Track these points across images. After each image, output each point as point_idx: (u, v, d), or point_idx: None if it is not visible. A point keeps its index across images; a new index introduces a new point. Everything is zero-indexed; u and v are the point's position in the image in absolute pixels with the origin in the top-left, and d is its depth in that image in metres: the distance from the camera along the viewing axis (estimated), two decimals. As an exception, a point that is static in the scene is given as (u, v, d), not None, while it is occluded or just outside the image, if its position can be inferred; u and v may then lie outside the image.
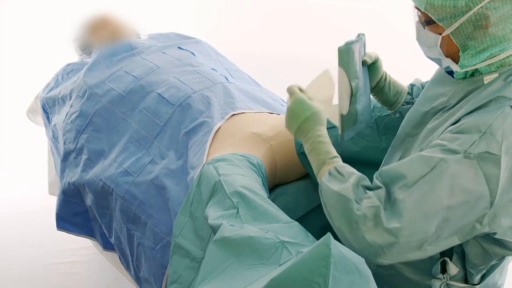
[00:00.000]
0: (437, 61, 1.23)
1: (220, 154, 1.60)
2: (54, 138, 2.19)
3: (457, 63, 1.19)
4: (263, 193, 1.39)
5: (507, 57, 1.15)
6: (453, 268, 1.27)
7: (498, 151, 1.07)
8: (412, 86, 1.53)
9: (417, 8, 1.19)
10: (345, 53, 1.31)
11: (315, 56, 3.85)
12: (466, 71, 1.19)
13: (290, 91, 1.30)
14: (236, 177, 1.43)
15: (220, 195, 1.39)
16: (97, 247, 2.13)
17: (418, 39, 1.24)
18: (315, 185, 1.75)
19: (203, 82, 1.95)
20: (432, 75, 1.40)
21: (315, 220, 1.76)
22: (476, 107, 1.14)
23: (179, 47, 2.25)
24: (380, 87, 1.47)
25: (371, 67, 1.43)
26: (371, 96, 1.51)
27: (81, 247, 2.56)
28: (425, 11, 1.15)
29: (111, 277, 2.41)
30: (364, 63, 1.39)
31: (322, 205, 1.22)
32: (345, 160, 1.32)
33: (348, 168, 1.19)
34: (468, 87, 1.19)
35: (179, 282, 1.43)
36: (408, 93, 1.51)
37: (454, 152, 1.09)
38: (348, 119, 1.39)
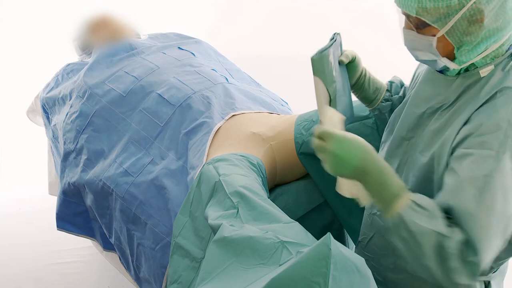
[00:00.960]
0: (431, 63, 1.22)
1: (220, 154, 1.60)
2: (54, 138, 2.19)
3: (452, 61, 1.18)
4: (263, 193, 1.39)
5: (500, 46, 1.15)
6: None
7: None
8: (391, 83, 1.52)
9: (405, 14, 1.18)
10: (318, 62, 1.30)
11: (315, 56, 3.84)
12: (461, 67, 1.19)
13: (323, 135, 1.13)
14: (236, 177, 1.43)
15: (220, 195, 1.39)
16: (97, 247, 2.13)
17: (407, 44, 1.22)
18: (315, 185, 1.76)
19: (203, 83, 1.95)
20: (415, 75, 1.40)
21: (315, 220, 1.76)
22: (483, 102, 1.13)
23: (179, 47, 2.25)
24: (359, 84, 1.46)
25: (349, 65, 1.43)
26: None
27: (81, 247, 2.56)
28: (417, 16, 1.13)
29: (111, 277, 2.41)
30: (341, 63, 1.39)
31: (400, 240, 1.12)
32: None
33: (424, 199, 1.12)
34: (465, 82, 1.19)
35: (179, 282, 1.43)
36: (387, 90, 1.50)
37: (488, 157, 1.07)
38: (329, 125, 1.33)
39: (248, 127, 1.76)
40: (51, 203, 2.21)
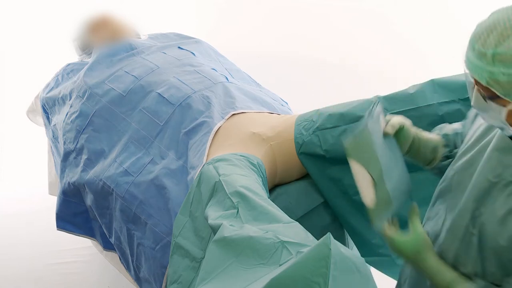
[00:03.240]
0: (499, 127, 1.10)
1: (220, 154, 1.60)
2: (54, 138, 2.19)
3: None
4: (263, 193, 1.39)
5: None
6: None
7: None
8: (445, 136, 1.35)
9: (475, 80, 1.05)
10: (353, 147, 1.21)
11: (315, 56, 3.85)
12: None
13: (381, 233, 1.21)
14: (236, 177, 1.43)
15: (220, 195, 1.39)
16: (97, 247, 2.13)
17: (475, 105, 1.10)
18: (315, 185, 1.76)
19: (203, 82, 1.95)
20: (471, 116, 1.29)
21: (315, 220, 1.76)
22: None
23: (179, 47, 2.25)
24: (413, 150, 1.32)
25: (398, 134, 1.29)
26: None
27: (81, 247, 2.57)
28: (488, 86, 1.02)
29: (111, 277, 2.41)
30: (385, 134, 1.26)
31: None
32: None
33: None
34: None
35: (179, 282, 1.43)
36: (444, 145, 1.33)
37: None
38: (378, 207, 1.24)
39: (248, 127, 1.76)
40: (51, 203, 2.21)
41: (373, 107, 1.27)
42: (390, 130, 1.27)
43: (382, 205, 1.24)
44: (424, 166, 1.36)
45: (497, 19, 0.99)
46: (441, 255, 1.18)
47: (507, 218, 1.06)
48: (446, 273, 1.15)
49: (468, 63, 1.03)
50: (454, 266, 1.16)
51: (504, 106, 1.03)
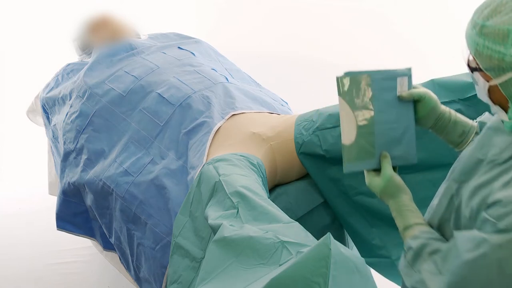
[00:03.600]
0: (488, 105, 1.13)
1: (220, 154, 1.60)
2: (54, 138, 2.19)
3: (506, 112, 1.08)
4: (263, 193, 1.39)
5: None
6: None
7: None
8: (481, 123, 1.32)
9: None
10: (345, 83, 1.28)
11: (315, 56, 3.85)
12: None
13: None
14: (236, 177, 1.43)
15: (220, 195, 1.39)
16: (97, 247, 2.13)
17: (471, 77, 1.13)
18: (315, 185, 1.76)
19: (203, 82, 1.95)
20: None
21: (315, 220, 1.76)
22: None
23: (179, 47, 2.25)
24: (439, 126, 1.31)
25: (419, 105, 1.29)
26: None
27: (81, 247, 2.56)
28: (474, 57, 1.06)
29: (111, 277, 2.41)
30: (401, 98, 1.29)
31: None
32: None
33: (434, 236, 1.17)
34: None
35: (179, 282, 1.43)
36: (477, 132, 1.31)
37: (501, 231, 1.01)
38: (355, 150, 1.30)
39: (248, 127, 1.76)
40: (51, 203, 2.21)
41: (403, 71, 1.29)
42: (405, 95, 1.28)
43: (361, 153, 1.29)
44: (451, 145, 1.35)
45: None
46: (430, 222, 1.22)
47: (475, 192, 1.09)
48: (407, 218, 1.20)
49: (466, 31, 1.07)
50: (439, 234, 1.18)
51: (488, 81, 1.06)
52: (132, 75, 2.04)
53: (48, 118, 2.28)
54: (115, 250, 1.93)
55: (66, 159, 2.04)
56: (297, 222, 1.27)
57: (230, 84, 1.99)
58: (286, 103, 2.17)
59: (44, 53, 3.56)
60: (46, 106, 2.28)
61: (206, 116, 1.81)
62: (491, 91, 1.07)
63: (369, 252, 1.78)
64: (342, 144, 1.30)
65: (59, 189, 2.06)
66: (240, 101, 1.90)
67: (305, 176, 1.79)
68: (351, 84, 1.29)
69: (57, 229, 2.08)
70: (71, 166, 2.01)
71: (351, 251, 1.04)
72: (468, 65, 1.10)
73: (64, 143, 2.06)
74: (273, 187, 1.76)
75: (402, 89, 1.30)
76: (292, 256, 1.12)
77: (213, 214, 1.34)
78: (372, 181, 1.27)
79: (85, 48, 2.39)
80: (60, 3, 3.68)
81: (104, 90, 2.03)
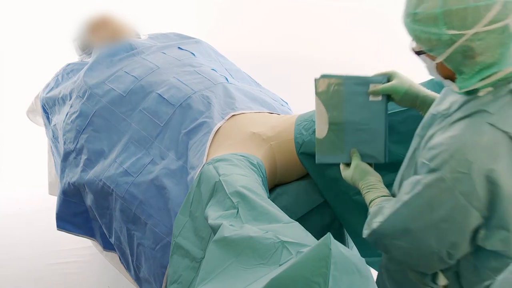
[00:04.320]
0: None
1: (220, 154, 1.60)
2: (54, 138, 2.19)
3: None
4: (263, 193, 1.39)
5: (505, 75, 1.13)
6: (442, 280, 1.27)
7: (468, 170, 1.09)
8: None
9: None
10: (321, 83, 1.45)
11: (315, 56, 3.85)
12: (470, 90, 1.18)
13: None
14: (236, 177, 1.43)
15: (220, 195, 1.39)
16: (97, 247, 2.13)
17: (420, 59, 1.23)
18: (315, 185, 1.76)
19: (203, 83, 1.95)
20: None
21: (315, 220, 1.76)
22: (461, 117, 1.15)
23: (179, 47, 2.25)
24: (420, 104, 1.43)
25: (392, 94, 1.42)
26: None
27: (81, 247, 2.56)
28: (416, 42, 1.17)
29: (111, 277, 2.41)
30: (372, 96, 1.43)
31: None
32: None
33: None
34: (466, 97, 1.19)
35: (179, 282, 1.43)
36: None
37: (431, 171, 1.14)
38: (326, 144, 1.48)
39: (248, 127, 1.76)
40: (51, 203, 2.21)
41: (377, 76, 1.44)
42: (372, 91, 1.42)
43: (332, 148, 1.48)
44: None
45: None
46: (395, 185, 1.35)
47: (426, 143, 1.22)
48: (371, 194, 1.34)
49: (403, 21, 1.18)
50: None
51: (433, 60, 1.17)
52: (132, 75, 2.04)
53: (48, 118, 2.28)
54: (115, 250, 1.93)
55: (66, 159, 2.04)
56: (297, 222, 1.27)
57: (230, 84, 1.99)
58: (286, 103, 2.17)
59: (44, 53, 3.56)
60: (46, 106, 2.28)
61: (206, 117, 1.81)
62: (438, 68, 1.18)
63: (369, 251, 1.78)
64: (316, 138, 1.49)
65: (59, 189, 2.06)
66: (240, 101, 1.90)
67: (305, 176, 1.79)
68: (326, 86, 1.45)
69: (57, 229, 2.08)
70: (71, 166, 2.01)
71: (351, 251, 1.04)
72: (414, 51, 1.20)
73: (64, 143, 2.06)
74: (273, 187, 1.76)
75: (374, 96, 1.44)
76: (292, 256, 1.12)
77: (213, 214, 1.34)
78: (344, 172, 1.44)
79: (85, 48, 2.39)
80: (60, 3, 3.68)
81: (104, 90, 2.03)
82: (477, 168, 1.09)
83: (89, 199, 1.92)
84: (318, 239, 1.05)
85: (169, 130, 1.84)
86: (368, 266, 1.10)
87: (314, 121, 1.73)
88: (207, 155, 1.67)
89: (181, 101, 1.87)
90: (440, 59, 1.15)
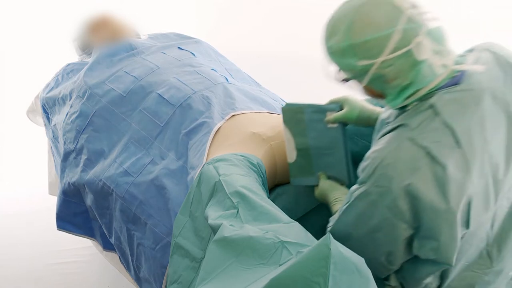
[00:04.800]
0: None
1: (220, 154, 1.60)
2: (54, 138, 2.19)
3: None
4: (263, 193, 1.39)
5: (426, 92, 1.18)
6: (393, 281, 1.31)
7: (389, 184, 1.14)
8: None
9: None
10: (286, 113, 1.58)
11: (315, 56, 3.84)
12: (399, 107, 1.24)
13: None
14: (236, 177, 1.43)
15: (220, 195, 1.39)
16: (97, 247, 2.13)
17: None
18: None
19: (203, 83, 1.95)
20: None
21: (315, 220, 1.76)
22: (388, 130, 1.20)
23: (179, 47, 2.25)
24: (374, 122, 1.50)
25: (346, 119, 1.51)
26: None
27: (81, 247, 2.56)
28: (340, 71, 1.23)
29: (111, 277, 2.41)
30: (329, 124, 1.52)
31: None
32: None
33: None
34: (399, 111, 1.24)
35: (179, 282, 1.43)
36: None
37: (360, 183, 1.21)
38: (297, 168, 1.61)
39: (248, 127, 1.76)
40: (51, 203, 2.21)
41: (332, 104, 1.53)
42: (328, 120, 1.52)
43: (302, 171, 1.61)
44: None
45: (332, 17, 1.22)
46: None
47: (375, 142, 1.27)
48: (335, 207, 1.43)
49: (324, 52, 1.25)
50: None
51: (360, 84, 1.22)
52: (132, 76, 2.04)
53: (48, 118, 2.28)
54: (115, 250, 1.93)
55: (66, 159, 2.04)
56: (297, 222, 1.27)
57: (230, 84, 1.99)
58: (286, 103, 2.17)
59: (44, 53, 3.56)
60: (46, 106, 2.28)
61: (206, 117, 1.81)
62: (367, 91, 1.24)
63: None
64: (288, 162, 1.62)
65: (59, 189, 2.06)
66: (240, 102, 1.90)
67: (305, 176, 1.79)
68: (291, 114, 1.58)
69: (57, 229, 2.08)
70: (71, 166, 2.01)
71: (351, 251, 1.04)
72: (340, 80, 1.27)
73: (64, 143, 2.06)
74: (273, 187, 1.76)
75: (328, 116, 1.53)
76: (292, 256, 1.12)
77: (213, 214, 1.34)
78: (315, 192, 1.56)
79: (85, 48, 2.39)
80: (60, 3, 3.68)
81: (104, 90, 2.03)
82: (396, 182, 1.13)
83: (89, 199, 1.92)
84: (318, 239, 1.05)
85: (169, 130, 1.84)
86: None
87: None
88: (207, 155, 1.67)
89: (181, 101, 1.87)
90: (363, 84, 1.20)
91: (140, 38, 2.39)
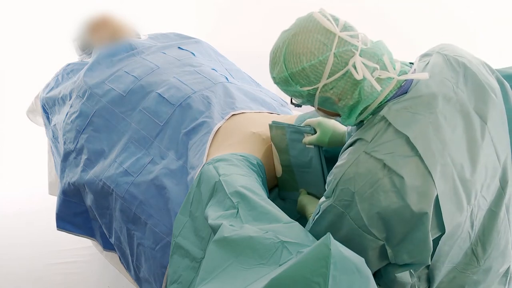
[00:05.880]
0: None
1: (220, 154, 1.60)
2: (54, 138, 2.19)
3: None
4: (263, 193, 1.39)
5: (377, 106, 1.21)
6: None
7: (352, 198, 1.16)
8: None
9: None
10: (272, 130, 1.63)
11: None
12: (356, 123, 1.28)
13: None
14: (236, 177, 1.43)
15: (220, 195, 1.39)
16: (97, 247, 2.13)
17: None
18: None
19: (203, 82, 1.95)
20: None
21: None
22: (349, 144, 1.23)
23: (179, 47, 2.25)
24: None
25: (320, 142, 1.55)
26: None
27: (81, 247, 2.57)
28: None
29: (111, 277, 2.41)
30: (306, 145, 1.57)
31: None
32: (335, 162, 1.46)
33: None
34: (358, 124, 1.28)
35: (179, 282, 1.43)
36: None
37: (326, 197, 1.23)
38: (283, 183, 1.68)
39: (248, 127, 1.76)
40: (51, 203, 2.21)
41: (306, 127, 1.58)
42: (305, 142, 1.57)
43: (288, 186, 1.67)
44: None
45: (272, 48, 1.26)
46: None
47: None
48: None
49: None
50: None
51: (314, 107, 1.27)
52: (132, 75, 2.04)
53: (48, 118, 2.28)
54: (115, 250, 1.93)
55: (66, 159, 2.04)
56: (297, 222, 1.27)
57: (230, 84, 1.99)
58: (286, 103, 2.17)
59: (44, 53, 3.56)
60: (46, 106, 2.28)
61: (206, 116, 1.81)
62: (323, 112, 1.29)
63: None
64: (276, 176, 1.69)
65: (59, 189, 2.06)
66: (240, 101, 1.90)
67: (305, 176, 1.79)
68: (276, 132, 1.63)
69: (57, 229, 2.08)
70: (71, 166, 2.01)
71: (351, 251, 1.04)
72: (294, 104, 1.32)
73: (64, 143, 2.06)
74: (273, 187, 1.76)
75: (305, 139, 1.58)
76: (292, 256, 1.12)
77: (213, 214, 1.34)
78: (297, 206, 1.59)
79: (85, 48, 2.39)
80: (60, 3, 3.68)
81: (104, 90, 2.03)
82: (359, 196, 1.15)
83: (89, 199, 1.92)
84: (318, 239, 1.05)
85: (169, 130, 1.84)
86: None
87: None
88: (207, 155, 1.67)
89: (181, 101, 1.87)
90: (315, 106, 1.25)
91: (140, 38, 2.39)
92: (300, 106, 1.31)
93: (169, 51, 2.20)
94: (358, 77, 1.16)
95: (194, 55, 2.19)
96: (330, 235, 1.01)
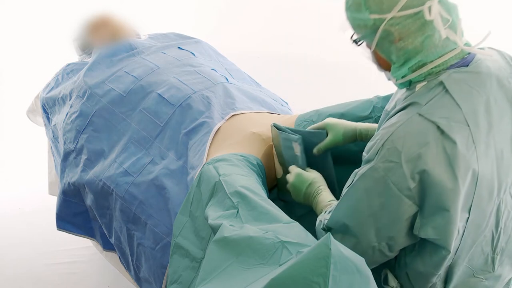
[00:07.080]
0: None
1: (220, 154, 1.60)
2: (54, 138, 2.19)
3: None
4: (263, 193, 1.39)
5: (434, 67, 1.18)
6: (392, 280, 1.30)
7: (398, 159, 1.12)
8: None
9: None
10: (273, 132, 1.63)
11: (315, 56, 3.85)
12: (404, 81, 1.23)
13: (290, 169, 1.54)
14: (236, 177, 1.43)
15: (220, 195, 1.39)
16: (97, 247, 2.13)
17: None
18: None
19: (203, 83, 1.95)
20: None
21: (315, 220, 1.76)
22: (397, 110, 1.19)
23: (179, 47, 2.25)
24: (364, 138, 1.54)
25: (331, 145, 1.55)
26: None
27: (81, 247, 2.56)
28: (353, 29, 1.23)
29: (111, 277, 2.41)
30: (318, 153, 1.57)
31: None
32: (346, 159, 1.49)
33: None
34: (406, 94, 1.23)
35: (179, 282, 1.43)
36: None
37: (366, 162, 1.19)
38: (283, 184, 1.61)
39: (248, 127, 1.76)
40: (51, 203, 2.21)
41: (294, 140, 1.56)
42: (316, 151, 1.57)
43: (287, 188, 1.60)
44: None
45: None
46: None
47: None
48: (322, 196, 1.44)
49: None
50: None
51: (370, 49, 1.22)
52: (132, 75, 2.04)
53: (48, 118, 2.28)
54: (115, 250, 1.92)
55: (66, 159, 2.04)
56: (297, 222, 1.27)
57: (230, 84, 1.99)
58: (286, 103, 2.17)
59: (44, 53, 3.56)
60: (46, 106, 2.28)
61: (206, 117, 1.81)
62: (377, 59, 1.24)
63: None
64: (277, 178, 1.69)
65: (59, 189, 2.06)
66: (240, 102, 1.90)
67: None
68: (274, 134, 1.62)
69: (57, 229, 2.08)
70: (71, 166, 2.01)
71: (351, 251, 1.04)
72: (352, 40, 1.25)
73: (64, 143, 2.06)
74: (273, 187, 1.76)
75: (296, 150, 1.56)
76: (292, 256, 1.12)
77: (213, 214, 1.34)
78: (288, 186, 1.53)
79: (85, 48, 2.39)
80: (60, 3, 3.68)
81: (104, 90, 2.03)
82: (405, 156, 1.12)
83: (89, 199, 1.92)
84: (318, 239, 1.04)
85: (169, 130, 1.84)
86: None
87: (314, 121, 1.74)
88: (207, 155, 1.67)
89: (181, 101, 1.87)
90: (373, 47, 1.20)
91: (140, 38, 2.39)
92: (358, 43, 1.24)
93: (169, 51, 2.20)
94: (429, 17, 1.12)
95: (194, 55, 2.19)
96: (330, 234, 1.01)
